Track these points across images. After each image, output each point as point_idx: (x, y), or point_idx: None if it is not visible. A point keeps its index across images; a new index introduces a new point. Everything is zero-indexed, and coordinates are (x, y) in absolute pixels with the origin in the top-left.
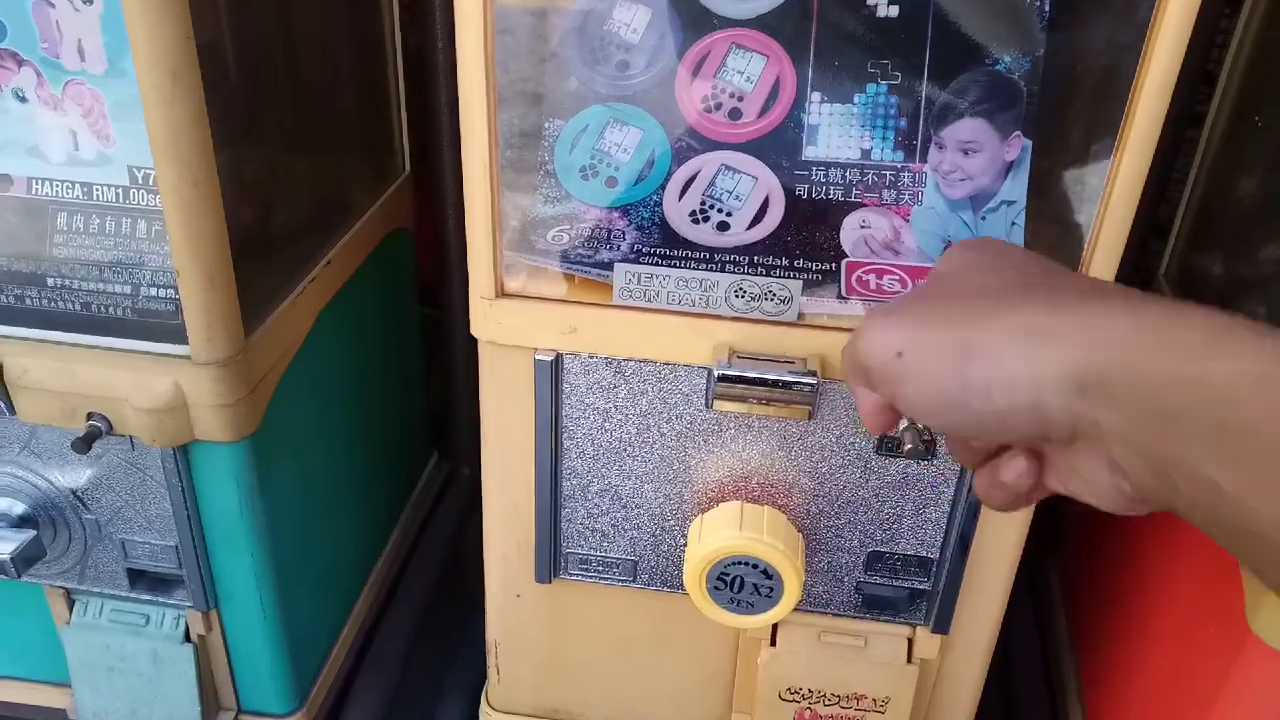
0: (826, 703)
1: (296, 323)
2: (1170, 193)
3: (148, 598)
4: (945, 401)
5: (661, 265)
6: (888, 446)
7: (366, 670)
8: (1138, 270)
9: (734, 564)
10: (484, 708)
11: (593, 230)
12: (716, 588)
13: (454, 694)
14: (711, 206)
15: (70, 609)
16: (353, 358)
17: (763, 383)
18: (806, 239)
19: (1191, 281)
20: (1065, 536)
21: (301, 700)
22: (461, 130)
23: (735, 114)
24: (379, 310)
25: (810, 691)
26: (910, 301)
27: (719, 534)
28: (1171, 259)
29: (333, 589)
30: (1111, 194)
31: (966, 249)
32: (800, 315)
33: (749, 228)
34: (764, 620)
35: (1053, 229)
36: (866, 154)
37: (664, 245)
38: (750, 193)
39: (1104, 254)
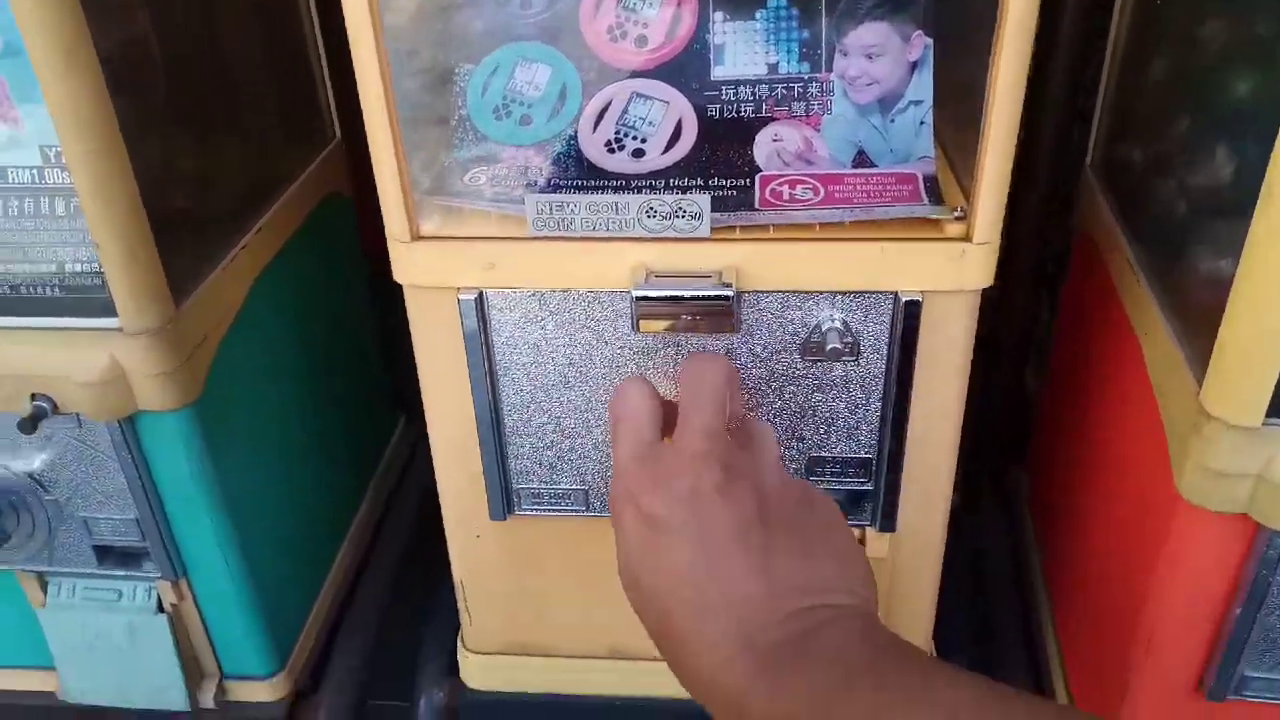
0: None
1: (230, 290)
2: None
3: (118, 572)
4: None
5: (572, 192)
6: (812, 349)
7: (347, 627)
8: (1063, 161)
9: None
10: (460, 650)
11: (510, 169)
12: None
13: (433, 642)
14: (626, 135)
15: (45, 591)
16: (298, 323)
17: (681, 299)
18: (721, 158)
19: (1114, 171)
20: (1031, 446)
21: (282, 661)
22: (356, 70)
23: (642, 41)
24: (322, 275)
25: None
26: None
27: None
28: (1095, 149)
29: (306, 550)
30: (996, 83)
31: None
32: (713, 230)
33: (664, 152)
34: None
35: (955, 128)
36: (774, 68)
37: (581, 177)
38: (663, 118)
39: (996, 146)
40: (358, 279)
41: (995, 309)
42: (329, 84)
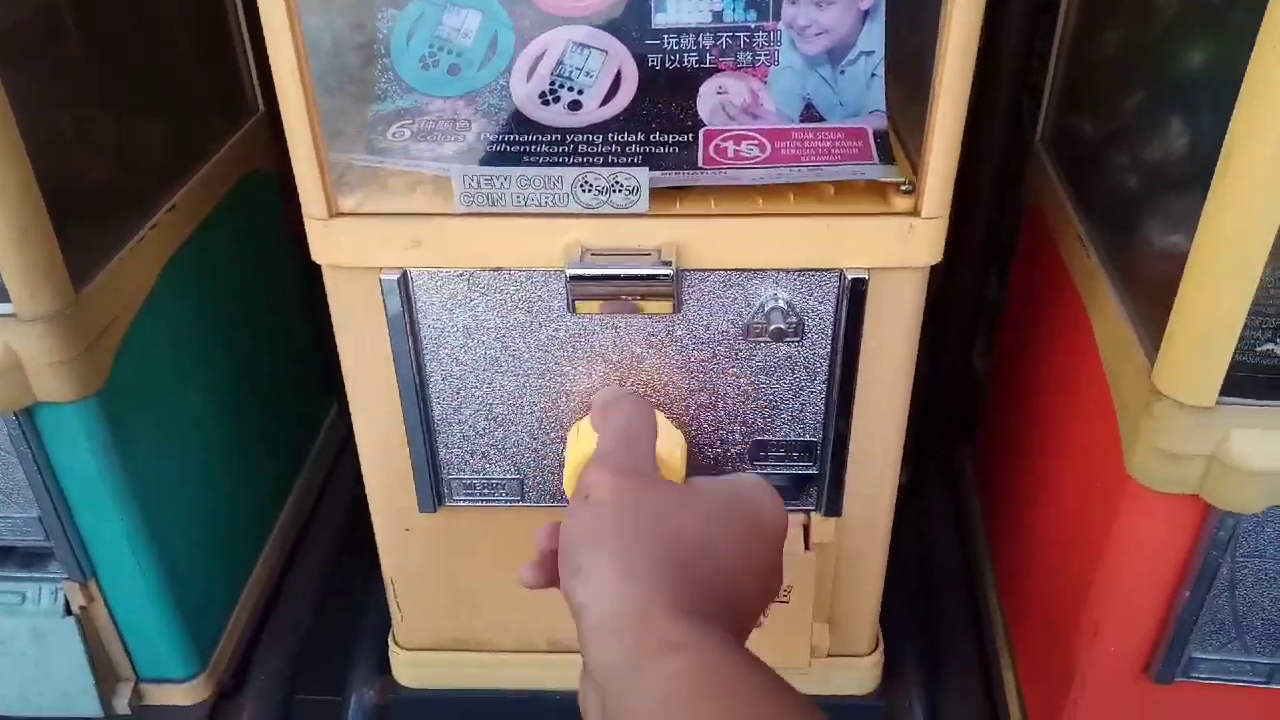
0: None
1: (139, 272)
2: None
3: (21, 574)
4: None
5: (501, 164)
6: (755, 330)
7: (273, 625)
8: (1015, 137)
9: None
10: (391, 647)
11: (437, 122)
12: None
13: (364, 638)
14: (561, 85)
15: None
16: (217, 306)
17: (619, 278)
18: (662, 111)
19: (1065, 144)
20: (979, 426)
21: (203, 663)
22: (265, 34)
23: None
24: (243, 255)
25: None
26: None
27: (592, 438)
28: (1046, 122)
29: (228, 545)
30: (945, 53)
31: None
32: (653, 195)
33: (602, 104)
34: None
35: (903, 100)
36: (718, 16)
37: (514, 131)
38: (601, 68)
39: (945, 117)
40: (284, 259)
41: (944, 285)
42: (250, 53)
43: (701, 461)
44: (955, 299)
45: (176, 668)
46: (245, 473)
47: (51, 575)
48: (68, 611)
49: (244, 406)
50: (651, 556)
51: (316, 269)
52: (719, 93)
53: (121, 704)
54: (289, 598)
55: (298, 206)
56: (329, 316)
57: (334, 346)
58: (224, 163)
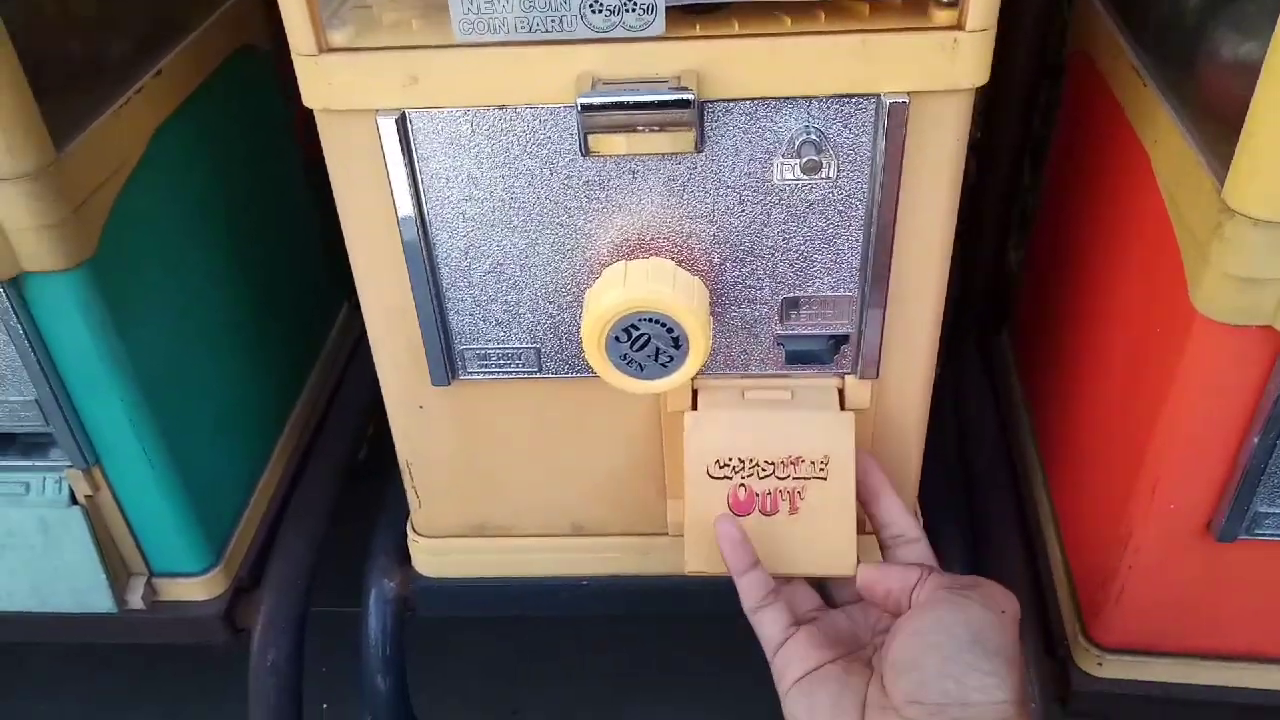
0: (761, 474)
1: (125, 137)
2: None
3: (23, 463)
4: None
5: None
6: (786, 168)
7: (291, 518)
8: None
9: (629, 325)
10: (410, 535)
11: None
12: (623, 356)
13: (385, 529)
14: None
15: None
16: (213, 183)
17: (635, 106)
18: None
19: None
20: (1017, 308)
21: (217, 556)
22: None
23: None
24: (239, 135)
25: (741, 462)
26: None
27: (604, 296)
28: None
29: (240, 436)
30: None
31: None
32: (670, 22)
33: None
34: (681, 375)
35: None
36: None
37: None
38: None
39: None
40: (285, 145)
41: (977, 176)
42: None
43: (728, 320)
44: (989, 188)
45: (190, 561)
46: (253, 363)
47: (54, 463)
48: (73, 501)
49: (248, 292)
50: None
51: (322, 166)
52: None
53: (135, 599)
54: (307, 490)
55: (298, 93)
56: (336, 213)
57: (344, 247)
58: (212, 34)
